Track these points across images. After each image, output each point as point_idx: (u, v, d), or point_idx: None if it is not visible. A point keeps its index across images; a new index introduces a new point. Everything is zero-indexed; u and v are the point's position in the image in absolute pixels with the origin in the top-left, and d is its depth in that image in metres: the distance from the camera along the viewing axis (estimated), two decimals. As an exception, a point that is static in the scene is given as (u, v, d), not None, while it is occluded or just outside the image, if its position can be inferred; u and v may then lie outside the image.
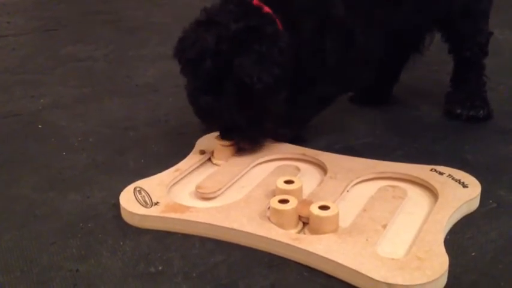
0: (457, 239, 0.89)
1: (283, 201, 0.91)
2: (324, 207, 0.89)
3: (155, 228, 0.94)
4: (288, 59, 1.05)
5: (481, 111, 1.30)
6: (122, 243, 0.91)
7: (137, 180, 1.03)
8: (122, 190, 1.01)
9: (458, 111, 1.31)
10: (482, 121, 1.29)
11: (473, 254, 0.85)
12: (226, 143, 1.11)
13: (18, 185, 1.09)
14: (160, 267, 0.85)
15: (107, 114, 1.39)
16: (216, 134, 1.14)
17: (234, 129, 1.09)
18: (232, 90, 1.02)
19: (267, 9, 1.06)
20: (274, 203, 0.91)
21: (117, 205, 0.99)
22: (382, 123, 1.30)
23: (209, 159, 1.14)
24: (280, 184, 0.97)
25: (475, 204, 0.97)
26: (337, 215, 0.88)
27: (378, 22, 1.15)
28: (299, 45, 1.08)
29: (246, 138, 1.11)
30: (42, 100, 1.49)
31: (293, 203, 0.91)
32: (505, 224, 0.93)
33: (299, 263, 0.85)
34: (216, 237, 0.91)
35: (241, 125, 1.08)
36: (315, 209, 0.88)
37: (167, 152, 1.18)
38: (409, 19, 1.21)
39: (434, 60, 1.49)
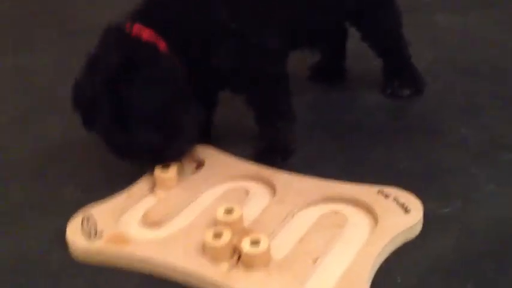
0: (382, 263, 0.89)
1: (219, 235, 0.91)
2: (255, 242, 0.89)
3: (101, 263, 0.92)
4: (176, 78, 1.10)
5: (406, 91, 1.42)
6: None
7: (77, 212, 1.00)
8: (56, 227, 0.99)
9: (389, 91, 1.44)
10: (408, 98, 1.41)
11: (399, 280, 0.87)
12: (166, 173, 1.09)
13: None
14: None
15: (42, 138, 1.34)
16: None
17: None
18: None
19: (146, 35, 1.09)
20: (207, 236, 0.91)
21: (51, 244, 0.97)
22: (319, 128, 1.30)
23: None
24: (220, 215, 0.96)
25: (415, 231, 0.95)
26: (267, 251, 0.88)
27: (276, 19, 1.17)
28: (192, 63, 1.12)
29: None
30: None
31: (226, 237, 0.91)
32: (432, 242, 0.93)
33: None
34: (154, 273, 0.91)
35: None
36: (245, 245, 0.89)
37: (107, 179, 1.14)
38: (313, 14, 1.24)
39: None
